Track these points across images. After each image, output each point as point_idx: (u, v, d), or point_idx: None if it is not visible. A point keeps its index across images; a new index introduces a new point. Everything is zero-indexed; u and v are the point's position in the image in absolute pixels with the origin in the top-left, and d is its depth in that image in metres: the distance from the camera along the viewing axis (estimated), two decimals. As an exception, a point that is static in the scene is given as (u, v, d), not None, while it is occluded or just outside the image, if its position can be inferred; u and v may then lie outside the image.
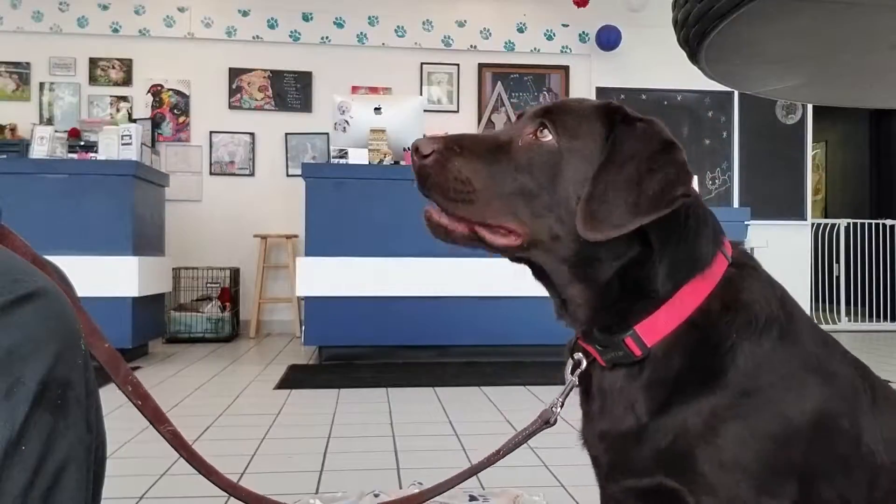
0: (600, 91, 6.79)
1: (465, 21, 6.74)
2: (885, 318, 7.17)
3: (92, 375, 0.86)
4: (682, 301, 0.86)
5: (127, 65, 6.45)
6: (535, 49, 6.83)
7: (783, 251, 6.76)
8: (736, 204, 6.85)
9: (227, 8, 6.48)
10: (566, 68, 6.87)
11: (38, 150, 4.47)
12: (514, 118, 1.00)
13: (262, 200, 6.43)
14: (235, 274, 6.13)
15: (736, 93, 6.79)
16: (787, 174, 6.99)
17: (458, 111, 6.77)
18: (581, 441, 0.97)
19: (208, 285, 5.99)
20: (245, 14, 6.50)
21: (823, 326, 5.80)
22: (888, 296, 7.18)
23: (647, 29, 6.60)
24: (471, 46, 6.75)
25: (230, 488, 1.12)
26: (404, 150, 4.67)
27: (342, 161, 4.51)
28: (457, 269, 4.41)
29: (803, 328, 0.89)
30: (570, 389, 0.95)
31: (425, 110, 5.02)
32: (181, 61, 6.48)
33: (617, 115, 0.88)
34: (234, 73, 6.51)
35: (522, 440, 1.07)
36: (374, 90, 6.54)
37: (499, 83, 6.82)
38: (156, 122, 6.42)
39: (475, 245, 0.89)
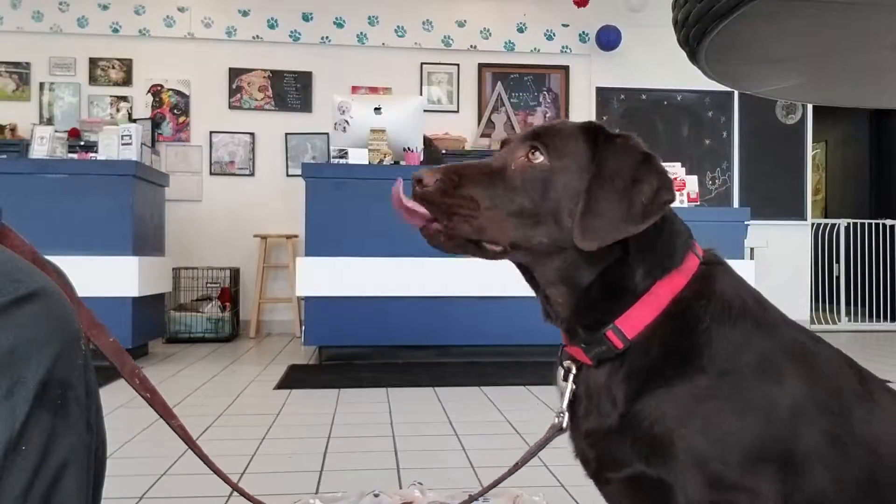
0: (600, 91, 6.79)
1: (465, 21, 6.74)
2: (885, 318, 7.17)
3: (92, 376, 0.86)
4: (658, 294, 0.92)
5: (127, 65, 6.45)
6: (535, 49, 6.83)
7: (783, 251, 6.76)
8: (736, 204, 6.85)
9: (227, 8, 6.48)
10: (566, 68, 6.87)
11: (38, 150, 4.47)
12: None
13: (262, 200, 6.43)
14: (235, 274, 6.13)
15: (736, 93, 6.79)
16: (787, 174, 6.99)
17: (458, 111, 6.77)
18: (570, 445, 0.99)
19: (208, 285, 5.99)
20: (245, 14, 6.50)
21: (823, 326, 5.81)
22: (888, 296, 7.18)
23: (647, 29, 6.60)
24: (471, 46, 6.75)
25: (230, 483, 1.13)
26: (404, 150, 4.67)
27: (342, 161, 4.51)
28: (457, 269, 4.41)
29: (779, 319, 0.93)
30: (569, 394, 0.99)
31: (425, 110, 5.02)
32: (181, 61, 6.48)
33: (599, 133, 0.96)
34: (234, 73, 6.51)
35: (537, 449, 1.10)
36: (374, 90, 6.54)
37: (499, 83, 6.82)
38: (156, 122, 6.42)
39: (471, 254, 0.95)
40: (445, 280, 4.41)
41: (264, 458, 2.32)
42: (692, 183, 5.00)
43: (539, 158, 0.93)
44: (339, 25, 6.59)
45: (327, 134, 6.19)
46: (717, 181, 6.95)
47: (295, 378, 3.88)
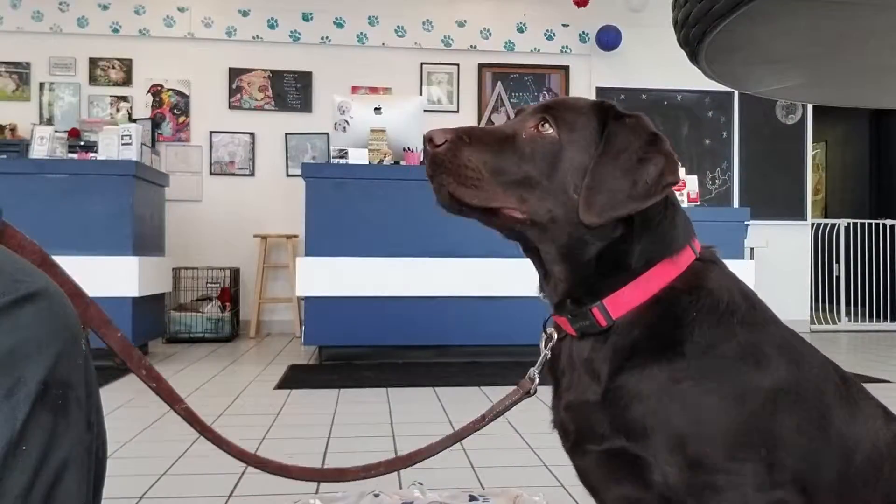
0: (600, 91, 6.79)
1: (465, 21, 6.74)
2: (885, 318, 7.17)
3: (93, 376, 0.86)
4: (650, 280, 0.93)
5: (127, 65, 6.45)
6: (535, 49, 6.83)
7: (783, 251, 6.76)
8: (736, 204, 6.85)
9: (227, 8, 6.48)
10: (566, 68, 6.87)
11: (38, 150, 4.47)
12: (513, 118, 1.04)
13: (262, 200, 6.43)
14: (235, 274, 6.13)
15: (736, 93, 6.79)
16: (787, 174, 6.99)
17: (458, 111, 6.77)
18: (551, 418, 1.00)
19: (208, 285, 5.99)
20: (245, 14, 6.50)
21: (823, 326, 5.79)
22: (888, 296, 7.18)
23: (647, 29, 6.60)
24: (471, 46, 6.75)
25: (243, 456, 1.14)
26: (404, 150, 4.67)
27: (342, 161, 4.51)
28: (457, 269, 4.41)
29: (768, 318, 0.94)
30: (545, 360, 1.03)
31: (425, 110, 5.02)
32: (181, 61, 6.48)
33: (609, 111, 0.96)
34: (234, 73, 6.51)
35: (504, 409, 1.14)
36: (374, 90, 6.54)
37: (499, 83, 6.82)
38: (156, 122, 6.42)
39: (483, 217, 0.95)
40: (445, 280, 4.41)
41: (264, 458, 2.32)
42: (692, 183, 5.00)
43: (549, 131, 0.94)
44: (339, 25, 6.59)
45: (327, 134, 6.19)
46: (717, 181, 6.95)
47: (295, 378, 3.88)
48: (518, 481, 2.01)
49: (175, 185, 5.87)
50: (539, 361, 1.02)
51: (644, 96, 6.86)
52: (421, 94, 6.48)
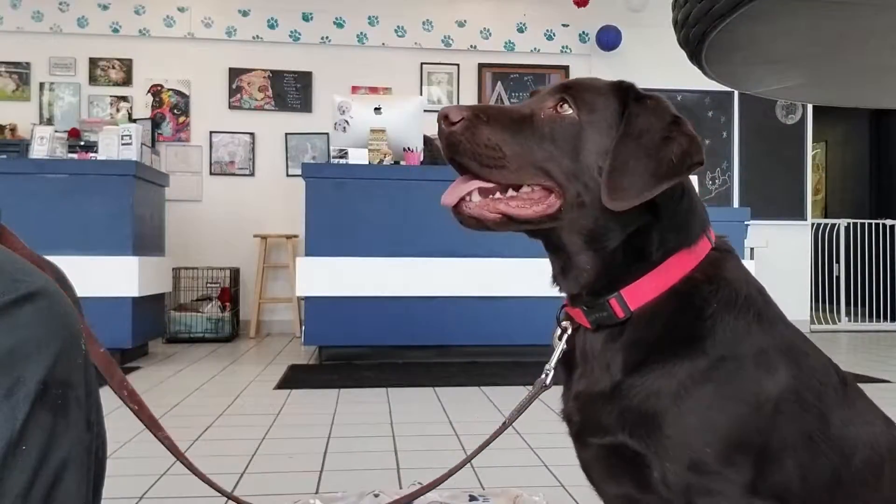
0: (600, 91, 6.78)
1: (465, 21, 6.74)
2: (885, 318, 7.17)
3: (92, 376, 0.86)
4: (668, 270, 0.91)
5: (127, 65, 6.45)
6: (535, 49, 6.83)
7: (783, 251, 6.76)
8: (736, 204, 6.85)
9: (227, 8, 6.48)
10: (566, 68, 6.87)
11: (38, 150, 4.46)
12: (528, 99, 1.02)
13: (262, 200, 6.43)
14: (235, 274, 6.13)
15: (736, 93, 6.79)
16: (787, 174, 6.99)
17: (458, 111, 6.76)
18: (560, 409, 0.98)
19: (208, 285, 5.99)
20: (245, 14, 6.50)
21: (823, 326, 5.78)
22: (888, 296, 7.18)
23: (647, 29, 6.60)
24: (471, 46, 6.75)
25: (218, 489, 1.13)
26: (404, 150, 4.67)
27: (342, 161, 4.51)
28: (457, 269, 4.41)
29: (778, 315, 0.93)
30: (560, 353, 0.99)
31: (425, 110, 5.01)
32: (181, 61, 6.48)
33: (629, 92, 0.94)
34: (234, 73, 6.51)
35: (524, 407, 1.10)
36: (374, 90, 6.54)
37: (499, 83, 6.82)
38: (156, 122, 6.42)
39: (506, 227, 0.92)
40: (445, 280, 4.41)
41: (264, 458, 2.32)
42: (692, 183, 5.00)
43: (568, 111, 0.91)
44: (339, 25, 6.59)
45: (327, 134, 6.19)
46: (717, 181, 6.95)
47: (295, 378, 3.88)
48: (518, 481, 2.01)
49: (175, 185, 5.87)
50: (554, 356, 0.99)
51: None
52: (421, 94, 6.47)
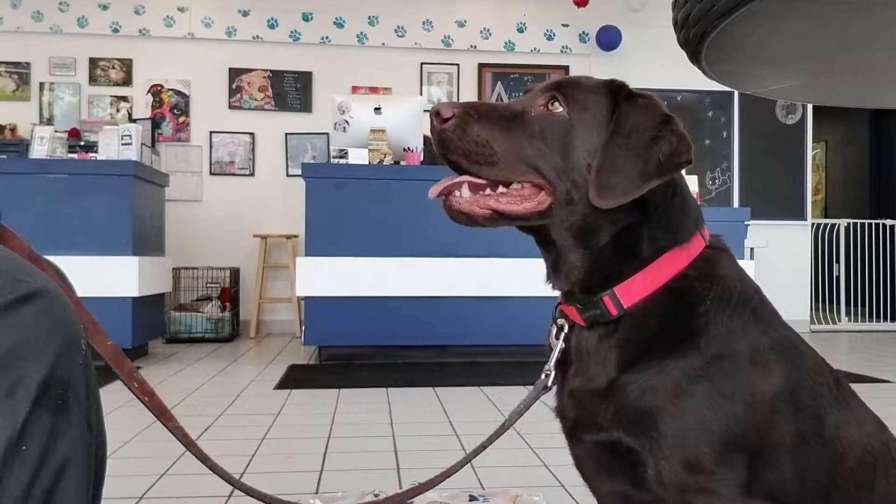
0: (600, 91, 6.78)
1: (465, 21, 6.74)
2: (885, 318, 7.17)
3: (92, 376, 0.86)
4: (661, 268, 0.91)
5: (127, 65, 6.45)
6: (535, 49, 6.83)
7: (783, 251, 6.76)
8: (736, 204, 6.85)
9: (227, 8, 6.48)
10: (566, 68, 6.87)
11: (38, 150, 4.47)
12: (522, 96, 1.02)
13: (262, 200, 6.43)
14: (235, 274, 6.13)
15: (736, 93, 6.79)
16: (787, 174, 6.99)
17: (458, 111, 6.76)
18: (554, 406, 0.98)
19: (208, 285, 5.99)
20: (245, 14, 6.50)
21: (823, 326, 5.78)
22: (888, 296, 7.18)
23: (647, 29, 6.60)
24: (471, 46, 6.75)
25: (233, 483, 1.12)
26: (404, 150, 4.67)
27: (342, 161, 4.51)
28: (457, 269, 4.41)
29: (773, 314, 0.93)
30: (558, 353, 0.99)
31: (425, 110, 5.02)
32: (181, 61, 6.48)
33: (620, 90, 0.94)
34: (234, 73, 6.51)
35: (524, 408, 1.09)
36: (374, 90, 6.54)
37: (499, 83, 6.82)
38: (156, 122, 6.42)
39: (496, 223, 0.92)
40: (445, 280, 4.41)
41: (264, 458, 2.32)
42: (692, 183, 5.01)
43: (559, 109, 0.91)
44: (339, 25, 6.59)
45: (327, 134, 6.19)
46: (717, 181, 6.95)
47: (295, 378, 3.88)
48: (518, 481, 2.01)
49: (175, 185, 5.87)
50: (553, 356, 0.99)
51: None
52: (421, 94, 6.47)
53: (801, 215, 6.99)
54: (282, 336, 6.08)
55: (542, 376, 1.01)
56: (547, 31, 6.83)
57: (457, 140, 0.90)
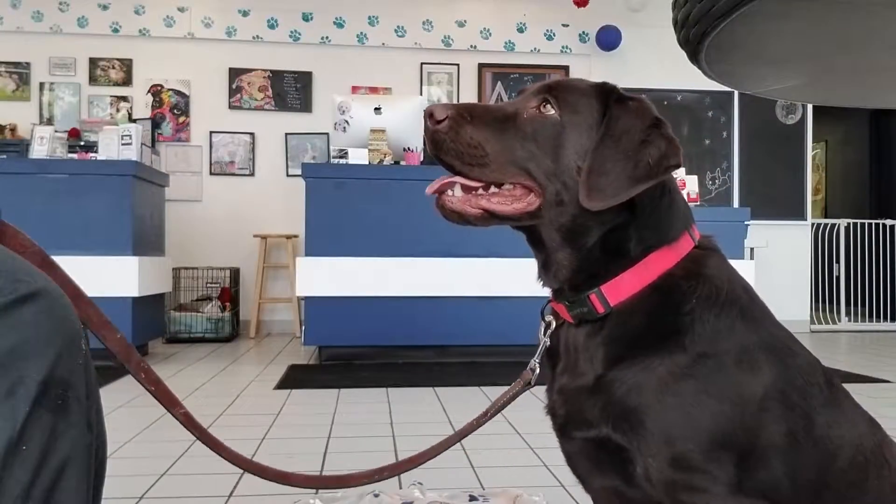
0: (600, 91, 6.78)
1: (465, 21, 6.74)
2: (885, 318, 7.17)
3: (92, 376, 0.86)
4: (648, 267, 0.92)
5: (127, 65, 6.45)
6: (535, 49, 6.83)
7: (783, 251, 6.76)
8: (736, 204, 6.86)
9: (227, 8, 6.48)
10: (566, 68, 6.87)
11: (38, 150, 4.47)
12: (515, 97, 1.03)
13: (262, 200, 6.43)
14: (235, 274, 6.13)
15: (736, 93, 6.79)
16: (787, 174, 6.99)
17: (458, 111, 6.76)
18: (545, 404, 0.99)
19: (208, 285, 5.99)
20: (245, 14, 6.50)
21: (823, 326, 5.77)
22: (888, 296, 7.18)
23: (647, 29, 6.60)
24: (471, 46, 6.75)
25: (242, 463, 1.12)
26: (404, 150, 4.67)
27: (342, 161, 4.51)
28: (457, 269, 4.41)
29: (765, 313, 0.93)
30: (544, 349, 1.01)
31: (425, 110, 5.02)
32: (181, 61, 6.48)
33: (611, 94, 0.95)
34: (234, 73, 6.51)
35: (507, 402, 1.14)
36: (374, 90, 6.54)
37: (499, 83, 6.82)
38: (156, 122, 6.42)
39: (487, 222, 0.94)
40: (445, 280, 4.41)
41: (264, 458, 2.32)
42: (692, 183, 5.01)
43: (550, 112, 0.93)
44: (339, 25, 6.59)
45: (327, 134, 6.19)
46: (717, 181, 6.95)
47: (295, 378, 3.88)
48: (518, 481, 2.01)
49: (175, 185, 5.87)
50: (539, 351, 1.02)
51: (644, 96, 6.84)
52: (421, 94, 6.48)
53: (801, 215, 6.99)
54: (282, 336, 6.08)
55: (529, 371, 1.03)
56: (547, 31, 6.83)
57: (450, 141, 0.91)
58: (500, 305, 4.42)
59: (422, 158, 4.69)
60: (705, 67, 1.35)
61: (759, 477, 0.85)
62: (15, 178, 4.20)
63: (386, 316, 4.40)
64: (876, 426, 0.95)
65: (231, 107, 6.51)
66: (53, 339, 0.76)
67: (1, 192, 4.04)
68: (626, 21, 6.68)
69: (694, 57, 1.30)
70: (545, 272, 0.97)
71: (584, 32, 6.83)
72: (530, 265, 1.00)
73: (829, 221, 7.39)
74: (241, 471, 2.16)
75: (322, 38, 6.57)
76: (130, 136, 4.45)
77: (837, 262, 7.19)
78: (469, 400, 3.30)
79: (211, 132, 6.48)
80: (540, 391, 1.05)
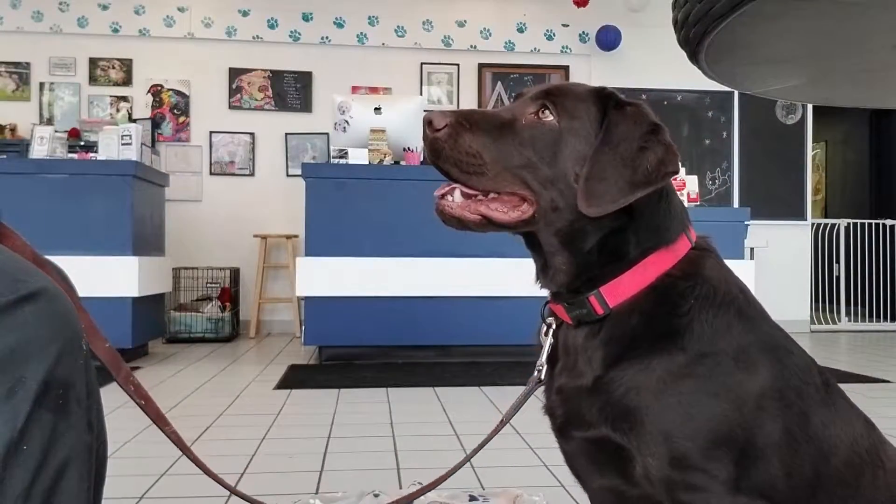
0: (600, 91, 6.78)
1: (465, 21, 6.74)
2: (885, 318, 7.17)
3: (93, 376, 0.86)
4: (646, 268, 0.93)
5: (127, 65, 6.45)
6: (535, 49, 6.83)
7: (783, 251, 6.76)
8: (736, 204, 6.85)
9: (227, 8, 6.48)
10: (566, 68, 6.87)
11: (38, 150, 4.46)
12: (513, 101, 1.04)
13: (262, 200, 6.43)
14: (235, 274, 6.13)
15: (736, 93, 6.79)
16: (787, 174, 6.99)
17: (458, 111, 6.76)
18: (543, 403, 1.00)
19: (208, 285, 5.99)
20: (245, 14, 6.50)
21: (823, 326, 5.77)
22: (888, 296, 7.18)
23: (647, 29, 6.60)
24: (471, 46, 6.75)
25: (227, 486, 1.13)
26: (404, 150, 4.67)
27: (342, 161, 4.51)
28: (457, 269, 4.41)
29: (761, 313, 0.94)
30: (548, 349, 1.02)
31: (425, 110, 5.02)
32: (181, 61, 6.48)
33: (610, 99, 0.95)
34: (234, 73, 6.51)
35: (520, 403, 1.12)
36: (374, 90, 6.54)
37: (499, 83, 6.82)
38: (156, 122, 6.42)
39: (486, 228, 0.95)
40: (445, 280, 4.41)
41: (264, 458, 2.32)
42: (692, 183, 5.00)
43: (549, 117, 0.93)
44: (339, 25, 6.59)
45: (327, 134, 6.19)
46: (717, 181, 6.95)
47: (295, 378, 3.88)
48: (518, 481, 2.01)
49: (175, 185, 5.87)
50: (543, 352, 1.02)
51: (644, 96, 6.85)
52: (421, 94, 6.48)
53: (801, 215, 6.99)
54: (282, 336, 6.08)
55: (535, 373, 1.02)
56: (547, 31, 6.83)
57: (448, 150, 0.91)
58: (500, 305, 4.42)
59: (422, 158, 4.69)
60: (705, 67, 1.35)
61: (757, 475, 0.85)
62: (15, 178, 4.20)
63: (386, 316, 4.40)
64: (872, 427, 0.95)
65: (231, 107, 6.51)
66: (54, 340, 0.76)
67: (1, 192, 4.03)
68: (626, 21, 6.68)
69: (694, 57, 1.30)
70: (543, 275, 0.98)
71: (584, 32, 6.83)
72: (531, 265, 1.00)
73: (829, 221, 7.39)
74: (241, 471, 2.16)
75: (322, 38, 6.57)
76: (130, 136, 4.45)
77: (837, 262, 7.19)
78: (469, 400, 3.30)
79: (211, 132, 6.48)
80: (539, 391, 1.05)
